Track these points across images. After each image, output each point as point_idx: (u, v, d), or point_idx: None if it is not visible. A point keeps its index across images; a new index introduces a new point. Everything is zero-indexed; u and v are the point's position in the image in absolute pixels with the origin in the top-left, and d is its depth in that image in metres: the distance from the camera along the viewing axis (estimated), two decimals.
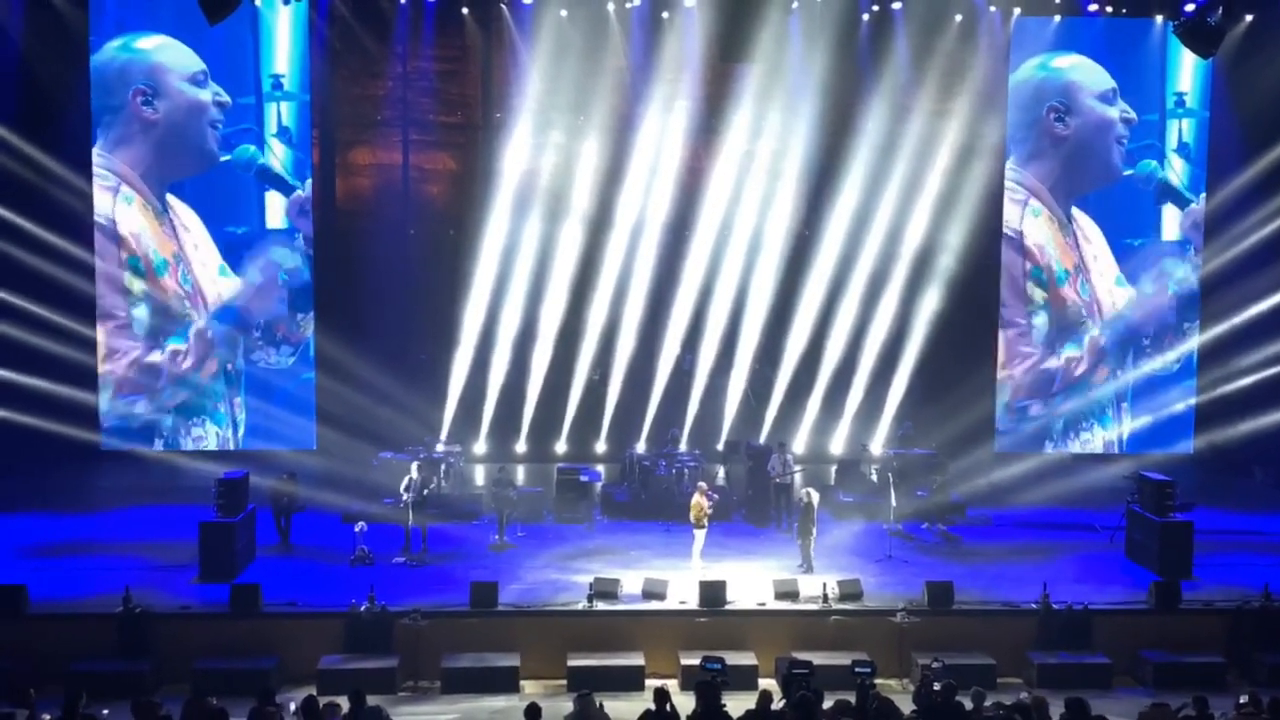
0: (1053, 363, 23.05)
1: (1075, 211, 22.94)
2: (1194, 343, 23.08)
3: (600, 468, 22.16)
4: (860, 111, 22.14)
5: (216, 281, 22.02)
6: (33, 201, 20.99)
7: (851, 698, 11.36)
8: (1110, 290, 23.09)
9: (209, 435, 22.18)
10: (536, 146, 22.36)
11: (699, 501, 17.10)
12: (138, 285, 21.76)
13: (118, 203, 21.56)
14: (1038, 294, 23.00)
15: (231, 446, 22.09)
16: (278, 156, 21.93)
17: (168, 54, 21.45)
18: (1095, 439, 23.31)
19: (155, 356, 21.85)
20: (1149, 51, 22.57)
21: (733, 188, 22.41)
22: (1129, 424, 23.25)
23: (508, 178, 22.21)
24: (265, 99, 21.80)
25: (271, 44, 21.74)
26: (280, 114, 21.89)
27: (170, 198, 21.76)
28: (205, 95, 21.50)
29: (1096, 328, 23.01)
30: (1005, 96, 22.48)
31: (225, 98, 21.57)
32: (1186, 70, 22.54)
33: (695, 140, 22.58)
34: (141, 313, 21.77)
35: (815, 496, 17.28)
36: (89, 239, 21.49)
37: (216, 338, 22.02)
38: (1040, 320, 23.02)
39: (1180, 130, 22.94)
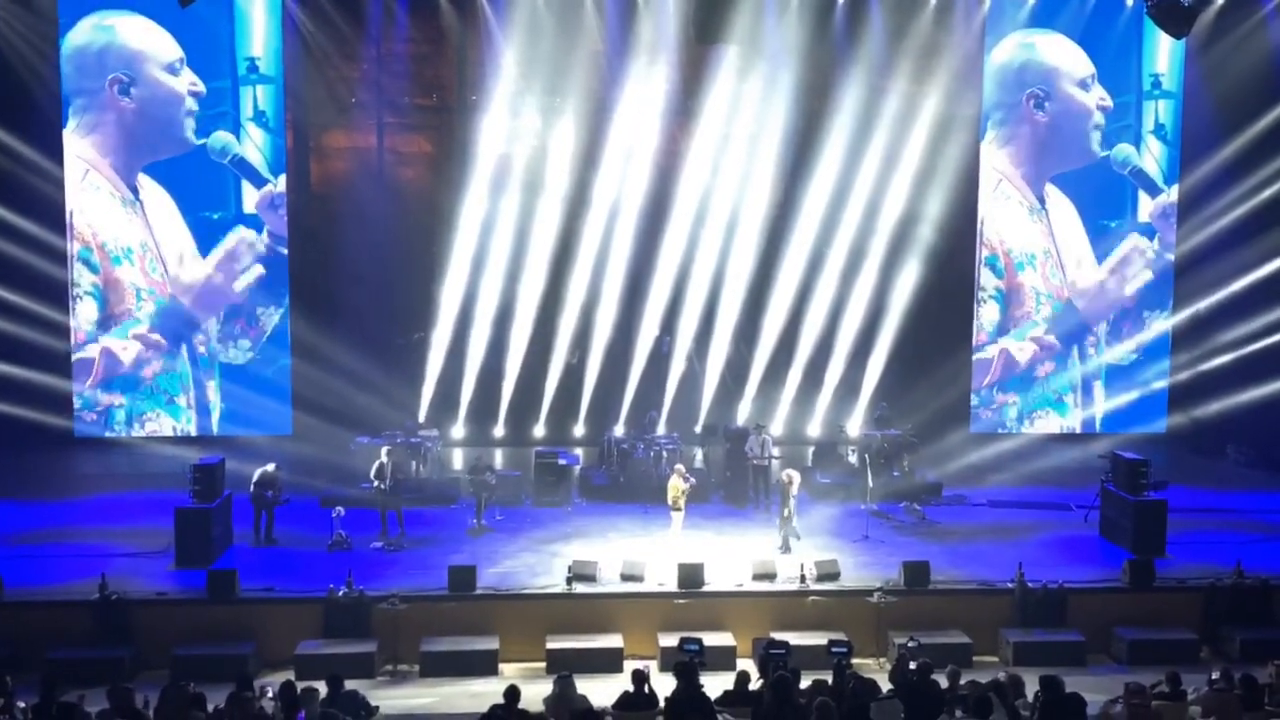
0: (1014, 349, 23.17)
1: (1050, 190, 23.04)
2: (1166, 324, 23.26)
3: (578, 451, 22.16)
4: (836, 92, 22.13)
5: (188, 267, 21.88)
6: (2, 185, 20.79)
7: (829, 677, 11.45)
8: (1083, 272, 23.24)
9: (182, 421, 22.06)
10: (512, 129, 22.26)
11: (676, 483, 17.14)
12: (87, 278, 21.54)
13: (83, 189, 21.35)
14: (990, 282, 23.11)
15: (209, 432, 21.99)
16: (255, 141, 21.77)
17: (145, 40, 21.22)
18: (1071, 419, 23.47)
19: (122, 344, 21.69)
20: (1126, 32, 22.60)
21: (709, 169, 22.37)
22: (1102, 404, 23.46)
23: (483, 160, 22.10)
24: (241, 82, 21.61)
25: (247, 27, 21.52)
26: (256, 98, 21.71)
27: (144, 179, 21.58)
28: (181, 84, 21.32)
29: (1052, 311, 23.06)
30: (980, 76, 22.56)
31: (200, 86, 21.38)
32: (1163, 51, 22.63)
33: (671, 122, 22.53)
34: (87, 307, 21.55)
35: (796, 478, 17.34)
36: (61, 223, 21.30)
37: (184, 324, 21.88)
38: (988, 309, 23.13)
39: (1157, 112, 23.03)
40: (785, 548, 17.01)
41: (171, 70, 21.30)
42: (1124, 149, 22.95)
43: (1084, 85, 22.73)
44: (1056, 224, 23.12)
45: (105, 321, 21.66)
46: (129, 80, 21.22)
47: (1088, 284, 23.24)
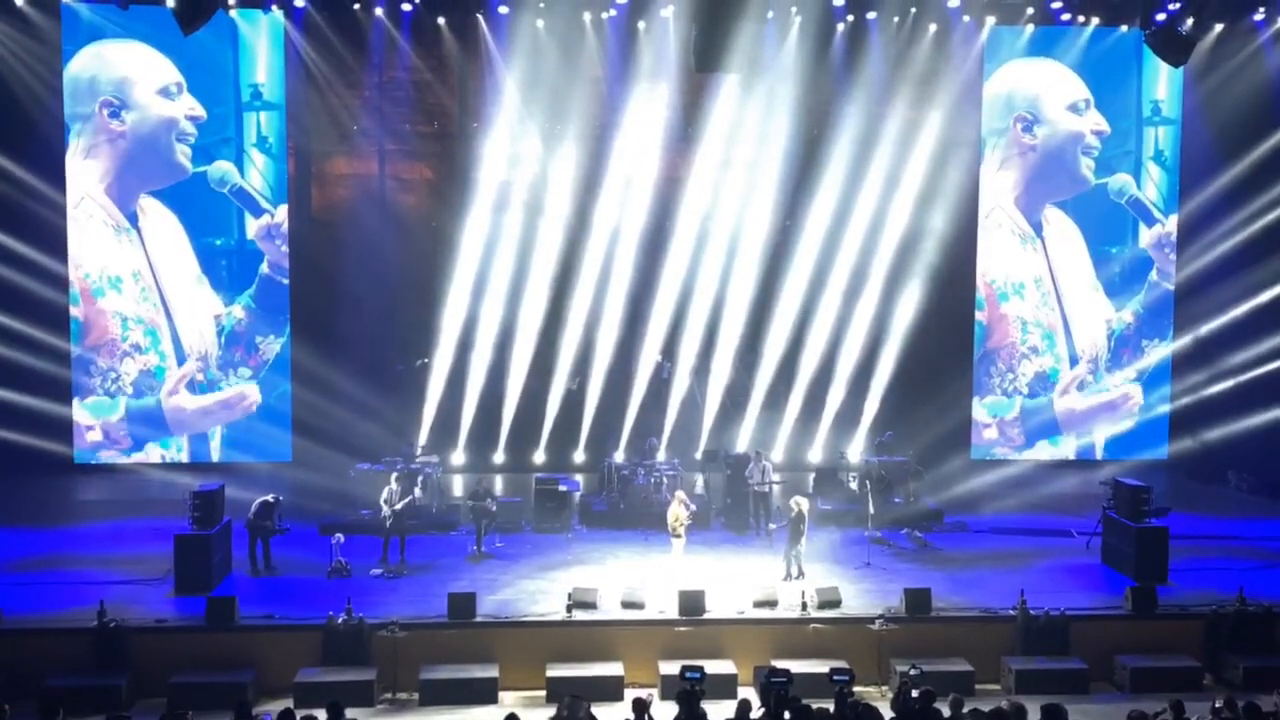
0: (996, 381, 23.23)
1: (1050, 214, 23.06)
2: (1167, 349, 23.30)
3: (579, 477, 22.18)
4: (836, 118, 22.30)
5: (191, 293, 21.93)
6: (6, 213, 20.88)
7: (830, 706, 11.40)
8: (1083, 298, 23.23)
9: (172, 449, 22.06)
10: (513, 155, 22.38)
11: (677, 510, 17.11)
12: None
13: (74, 217, 21.39)
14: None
15: (207, 458, 22.00)
16: (257, 167, 21.91)
17: (138, 65, 21.42)
18: (1067, 447, 23.48)
19: (127, 366, 21.73)
20: (1125, 59, 22.81)
21: (710, 195, 22.49)
22: (1102, 431, 23.45)
23: (484, 186, 22.23)
24: (244, 109, 21.79)
25: (250, 54, 21.75)
26: (260, 124, 21.88)
27: (147, 202, 21.64)
28: (177, 108, 21.46)
29: (1041, 341, 23.07)
30: (979, 103, 22.71)
31: (200, 110, 21.54)
32: (1163, 79, 22.81)
33: (672, 149, 22.68)
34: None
35: (804, 505, 17.24)
36: (63, 250, 21.39)
37: (185, 350, 21.92)
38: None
39: (1157, 138, 23.17)
40: (791, 575, 16.94)
41: (166, 94, 21.45)
42: (1121, 178, 23.08)
43: (1075, 109, 22.84)
44: (1054, 250, 23.10)
45: (82, 361, 21.58)
46: (119, 104, 21.36)
47: (1091, 308, 23.18)
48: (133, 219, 21.66)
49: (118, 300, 21.70)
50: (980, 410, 23.22)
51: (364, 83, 22.54)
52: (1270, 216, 22.56)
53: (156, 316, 21.85)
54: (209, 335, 22.08)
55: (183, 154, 21.56)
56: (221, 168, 21.74)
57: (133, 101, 21.39)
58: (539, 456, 22.97)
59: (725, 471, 20.87)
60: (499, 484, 22.12)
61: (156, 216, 21.74)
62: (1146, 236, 23.30)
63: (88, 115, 21.34)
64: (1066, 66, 22.76)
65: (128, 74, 21.38)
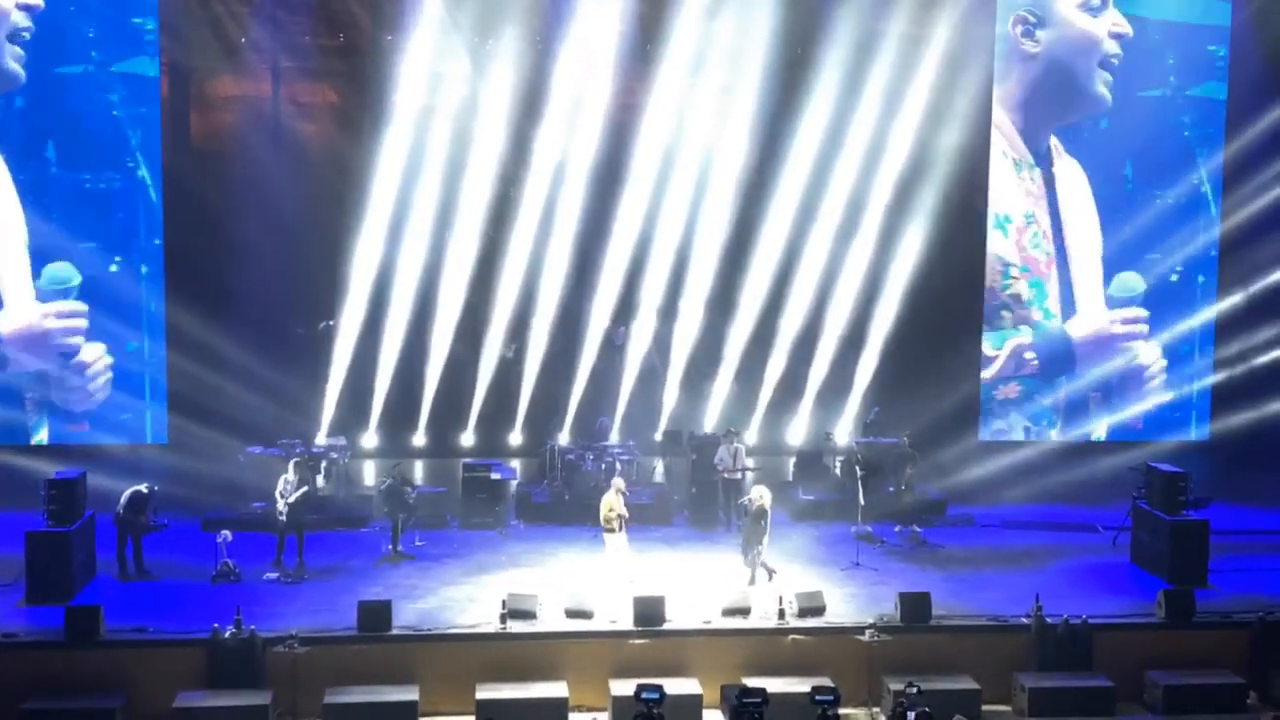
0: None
1: (1057, 144, 22.98)
2: (1210, 312, 23.48)
3: (515, 464, 22.28)
4: (823, 36, 22.27)
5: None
6: None
7: None
8: (1090, 245, 23.14)
9: (38, 427, 21.85)
10: (435, 76, 22.22)
11: (610, 500, 17.19)
12: None
13: None
14: None
15: (65, 440, 21.78)
16: None
17: None
18: (1097, 425, 23.67)
19: None
20: None
21: (673, 126, 22.46)
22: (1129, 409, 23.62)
23: (401, 113, 22.06)
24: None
25: None
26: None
27: None
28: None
29: (1029, 289, 23.09)
30: (993, 17, 22.57)
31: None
32: None
33: (627, 70, 22.62)
34: None
35: (767, 498, 17.43)
36: None
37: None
38: None
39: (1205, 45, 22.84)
40: (754, 580, 17.12)
41: None
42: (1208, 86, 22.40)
43: (1089, 7, 22.43)
44: (1063, 186, 22.97)
45: None
46: None
47: (1093, 248, 23.06)
48: None
49: None
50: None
51: None
52: None
53: None
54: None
55: (13, 57, 20.99)
56: None
57: None
58: (467, 439, 23.04)
59: (690, 456, 21.03)
60: (419, 471, 22.15)
61: None
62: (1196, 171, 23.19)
63: None
64: None
65: None
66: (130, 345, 21.83)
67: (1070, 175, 23.14)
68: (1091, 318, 23.24)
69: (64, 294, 21.51)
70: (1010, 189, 23.04)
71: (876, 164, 22.67)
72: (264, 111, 22.90)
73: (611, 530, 17.16)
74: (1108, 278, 23.27)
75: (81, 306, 21.54)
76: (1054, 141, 23.11)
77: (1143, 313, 23.29)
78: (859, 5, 22.20)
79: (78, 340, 21.60)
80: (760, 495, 17.35)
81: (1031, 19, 22.42)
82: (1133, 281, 23.23)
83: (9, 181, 21.41)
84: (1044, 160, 23.01)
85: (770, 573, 17.17)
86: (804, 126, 22.44)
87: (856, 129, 22.44)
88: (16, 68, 21.18)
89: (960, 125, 22.66)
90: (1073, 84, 22.74)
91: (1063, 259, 23.23)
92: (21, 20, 21.05)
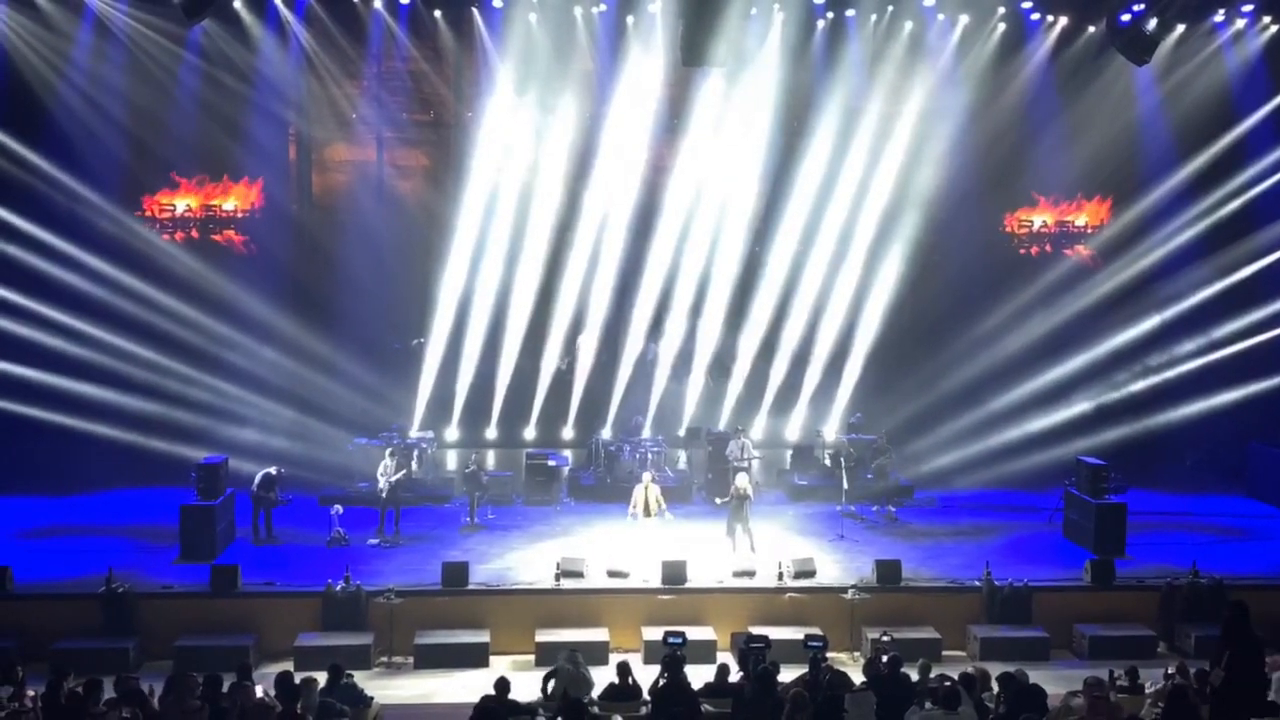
0: None
1: None
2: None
3: (567, 453, 22.17)
4: (816, 112, 22.20)
5: None
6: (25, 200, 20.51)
7: (805, 670, 11.49)
8: None
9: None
10: (506, 145, 22.26)
11: (637, 493, 16.91)
12: None
13: None
14: None
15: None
16: None
17: None
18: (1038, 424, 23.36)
19: None
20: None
21: (695, 184, 22.40)
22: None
23: (478, 174, 22.11)
24: None
25: None
26: None
27: None
28: None
29: None
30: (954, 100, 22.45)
31: None
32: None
33: (659, 139, 22.59)
34: None
35: (744, 484, 17.07)
36: (83, 235, 21.02)
37: None
38: None
39: None
40: (735, 549, 16.88)
41: None
42: None
43: None
44: None
45: None
46: None
47: None
48: None
49: None
50: None
51: (363, 73, 22.40)
52: (1226, 210, 22.54)
53: None
54: None
55: None
56: None
57: None
58: (529, 433, 22.96)
59: (707, 448, 20.93)
60: (491, 459, 22.15)
61: None
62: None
63: None
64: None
65: None
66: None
67: None
68: None
69: None
70: None
71: (856, 222, 22.46)
72: (370, 173, 23.04)
73: (650, 515, 17.00)
74: None
75: None
76: None
77: None
78: (844, 89, 22.06)
79: None
80: (739, 483, 17.18)
81: None
82: None
83: None
84: None
85: (752, 547, 16.93)
86: (801, 179, 22.32)
87: (844, 181, 22.26)
88: None
89: (930, 173, 22.52)
90: None
91: None
92: None
